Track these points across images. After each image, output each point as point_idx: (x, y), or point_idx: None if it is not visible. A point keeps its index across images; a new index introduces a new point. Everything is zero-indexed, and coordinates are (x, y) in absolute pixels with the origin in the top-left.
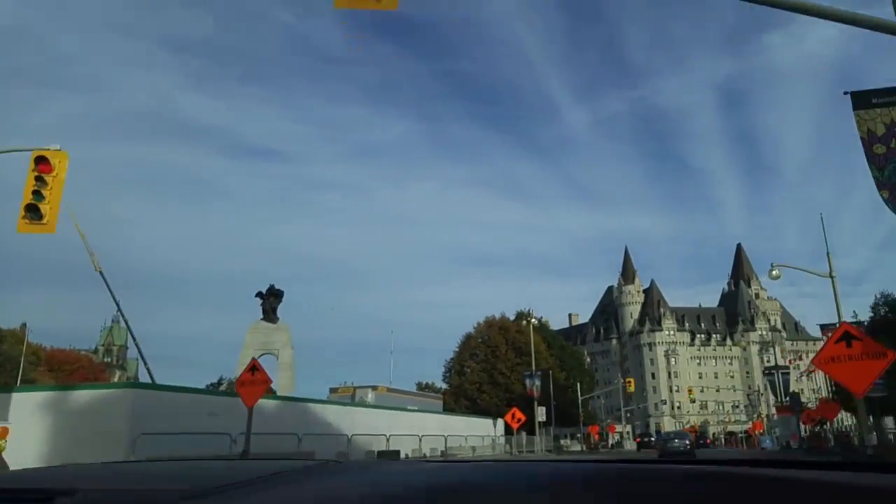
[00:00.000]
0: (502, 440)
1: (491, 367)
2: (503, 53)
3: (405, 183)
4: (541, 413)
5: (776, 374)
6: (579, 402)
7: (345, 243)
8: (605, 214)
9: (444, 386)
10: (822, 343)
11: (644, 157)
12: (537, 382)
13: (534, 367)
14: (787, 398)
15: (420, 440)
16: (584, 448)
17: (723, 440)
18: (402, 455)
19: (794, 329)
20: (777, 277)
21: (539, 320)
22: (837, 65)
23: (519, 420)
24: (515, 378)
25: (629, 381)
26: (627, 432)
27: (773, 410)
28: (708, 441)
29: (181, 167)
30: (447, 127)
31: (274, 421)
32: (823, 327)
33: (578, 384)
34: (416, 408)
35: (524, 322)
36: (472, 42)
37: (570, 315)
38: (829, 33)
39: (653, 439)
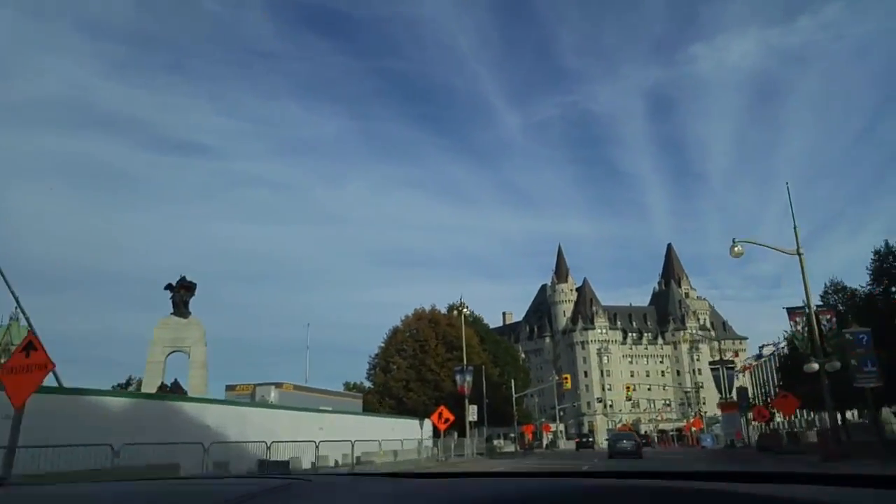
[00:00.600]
0: (430, 443)
1: (419, 364)
2: (438, 54)
3: (338, 181)
4: (472, 412)
5: (721, 370)
6: (513, 400)
7: (274, 241)
8: (538, 217)
9: (370, 385)
10: (748, 342)
11: (575, 161)
12: (469, 378)
13: (465, 362)
14: (731, 394)
15: (317, 446)
16: (518, 448)
17: (656, 438)
18: (308, 464)
19: (723, 328)
20: (740, 254)
21: (472, 314)
22: (756, 77)
23: (447, 420)
24: (446, 375)
25: (566, 378)
26: (561, 431)
27: (714, 408)
28: (649, 440)
29: (99, 159)
30: (382, 126)
31: (130, 425)
32: (790, 311)
33: (513, 381)
34: (329, 408)
35: (455, 312)
36: (407, 41)
37: (503, 314)
38: (748, 47)
39: (591, 440)
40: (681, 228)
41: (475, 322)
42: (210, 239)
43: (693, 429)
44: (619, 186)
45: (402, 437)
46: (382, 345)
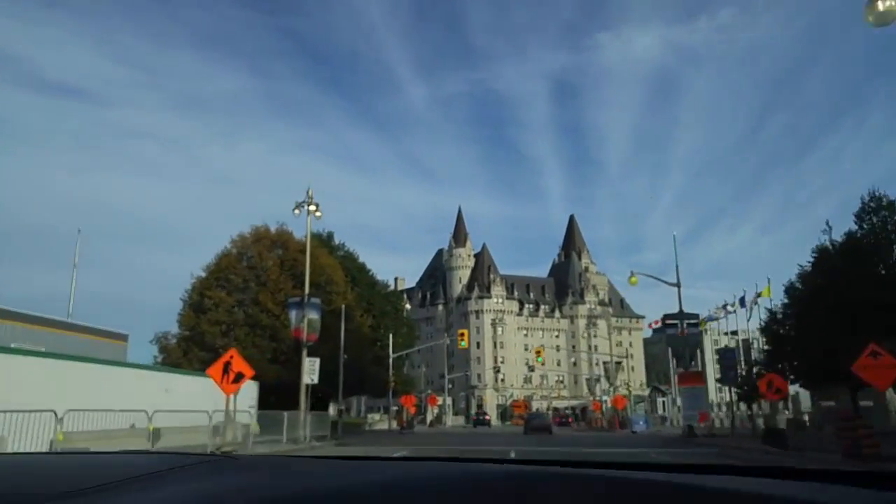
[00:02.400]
0: (249, 415)
1: (252, 302)
2: (347, 17)
3: (233, 140)
4: (311, 369)
5: (679, 326)
6: (390, 362)
7: (160, 199)
8: (440, 193)
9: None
10: (645, 321)
11: (479, 140)
12: (313, 318)
13: (306, 289)
14: (693, 363)
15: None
16: (396, 426)
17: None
18: None
19: (620, 306)
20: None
21: (344, 246)
22: (656, 72)
23: (238, 376)
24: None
25: (462, 335)
26: (449, 405)
27: (635, 386)
28: (570, 420)
29: None
30: (283, 86)
31: None
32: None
33: (391, 336)
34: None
35: (296, 211)
36: (315, 1)
37: (395, 279)
38: (650, 42)
39: (487, 417)
40: (577, 214)
41: (347, 258)
42: (85, 192)
43: (609, 406)
44: (521, 168)
45: (196, 408)
46: (203, 274)
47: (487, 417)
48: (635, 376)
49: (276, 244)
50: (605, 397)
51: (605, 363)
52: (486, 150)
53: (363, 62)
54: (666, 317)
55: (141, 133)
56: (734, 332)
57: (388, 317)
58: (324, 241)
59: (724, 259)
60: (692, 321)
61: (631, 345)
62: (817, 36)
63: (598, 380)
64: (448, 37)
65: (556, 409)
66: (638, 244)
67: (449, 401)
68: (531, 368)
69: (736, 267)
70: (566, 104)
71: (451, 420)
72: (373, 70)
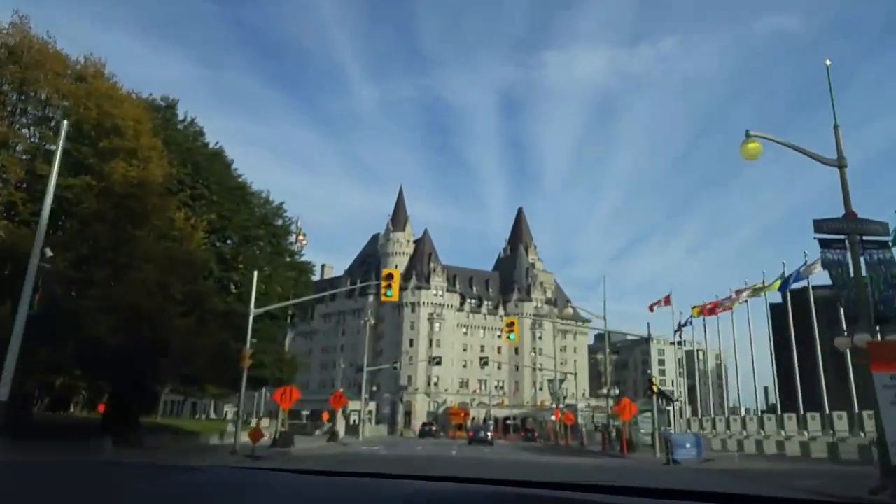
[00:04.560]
0: None
1: None
2: (297, 12)
3: None
4: None
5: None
6: (249, 320)
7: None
8: (384, 196)
9: None
10: (591, 324)
11: (425, 146)
12: None
13: None
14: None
15: None
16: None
17: (499, 429)
18: None
19: (566, 307)
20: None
21: (187, 117)
22: (599, 92)
23: None
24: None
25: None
26: (370, 412)
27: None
28: (536, 434)
29: None
30: (230, 77)
31: None
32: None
33: (255, 277)
34: None
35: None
36: None
37: (322, 266)
38: (596, 63)
39: (434, 427)
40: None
41: (192, 139)
42: None
43: (568, 422)
44: (464, 177)
45: None
46: None
47: (432, 428)
48: (578, 384)
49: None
50: (564, 408)
51: (556, 374)
52: (431, 156)
53: (312, 59)
54: None
55: None
56: (680, 343)
57: (259, 246)
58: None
59: (654, 277)
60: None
61: (575, 350)
62: (747, 70)
63: (541, 387)
64: (399, 41)
65: (496, 420)
66: (572, 258)
67: (371, 406)
68: (482, 365)
69: (664, 285)
70: (511, 117)
71: (369, 430)
72: (321, 68)
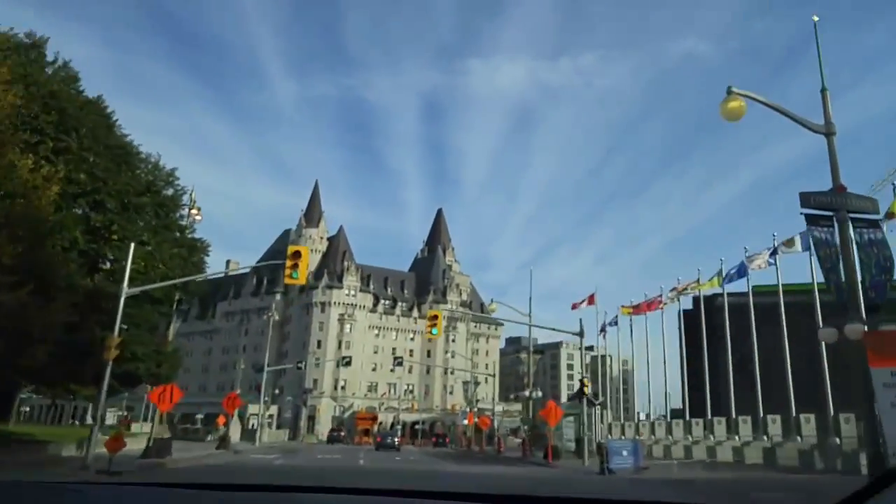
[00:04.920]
0: None
1: None
2: (217, 1)
3: None
4: None
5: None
6: (120, 305)
7: None
8: (297, 195)
9: None
10: (502, 329)
11: (344, 145)
12: None
13: None
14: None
15: None
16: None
17: (407, 434)
18: None
19: (480, 310)
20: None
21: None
22: (520, 102)
23: None
24: None
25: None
26: (270, 416)
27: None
28: (447, 440)
29: None
30: (138, 62)
31: None
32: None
33: (131, 249)
34: None
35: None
36: None
37: (227, 262)
38: (517, 74)
39: (342, 433)
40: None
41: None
42: None
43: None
44: (383, 179)
45: None
46: None
47: (340, 434)
48: (488, 388)
49: None
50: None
51: (472, 377)
52: (349, 156)
53: (231, 51)
54: None
55: None
56: (589, 348)
57: (142, 217)
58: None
59: (564, 284)
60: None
61: (487, 353)
62: (656, 91)
63: (451, 391)
64: (323, 39)
65: (404, 424)
66: (486, 263)
67: (273, 410)
68: (393, 367)
69: (571, 292)
70: (433, 121)
71: (269, 436)
72: (240, 61)
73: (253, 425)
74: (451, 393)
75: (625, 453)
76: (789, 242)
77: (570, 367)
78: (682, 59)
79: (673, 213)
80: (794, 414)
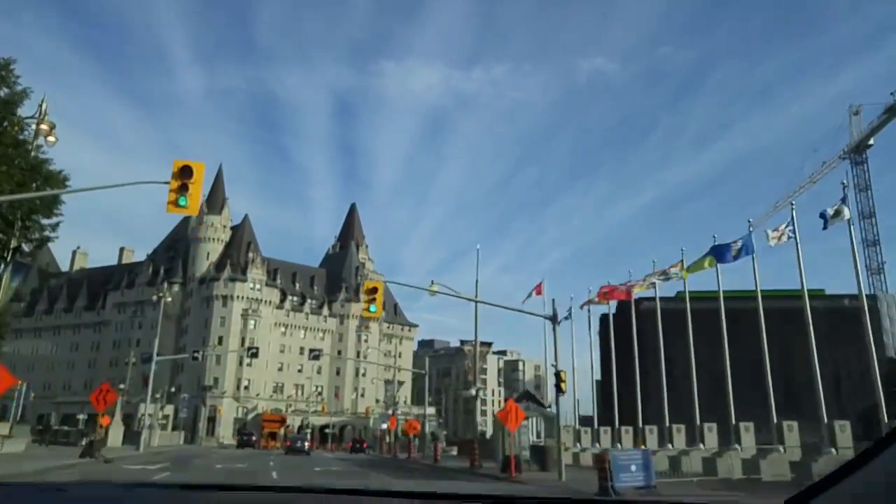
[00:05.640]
0: None
1: None
2: None
3: None
4: None
5: None
6: None
7: None
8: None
9: None
10: (416, 330)
11: (252, 139)
12: None
13: None
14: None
15: None
16: None
17: (316, 438)
18: None
19: (394, 311)
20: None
21: None
22: (432, 109)
23: None
24: None
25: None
26: (165, 417)
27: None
28: (365, 444)
29: None
30: (25, 35)
31: None
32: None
33: None
34: None
35: None
36: None
37: (121, 249)
38: (431, 80)
39: (253, 437)
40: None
41: None
42: None
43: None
44: (292, 176)
45: None
46: None
47: (250, 438)
48: (404, 391)
49: None
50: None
51: (386, 382)
52: (257, 150)
53: (134, 33)
54: None
55: None
56: (502, 352)
57: None
58: None
59: (469, 291)
60: None
61: (401, 355)
62: (565, 106)
63: (363, 394)
64: (233, 28)
65: (313, 428)
66: (396, 267)
67: (169, 410)
68: (301, 367)
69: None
70: (345, 121)
71: (160, 439)
72: (143, 43)
73: (142, 426)
74: (362, 395)
75: (633, 468)
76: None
77: (483, 370)
78: (590, 77)
79: (577, 226)
80: (699, 422)
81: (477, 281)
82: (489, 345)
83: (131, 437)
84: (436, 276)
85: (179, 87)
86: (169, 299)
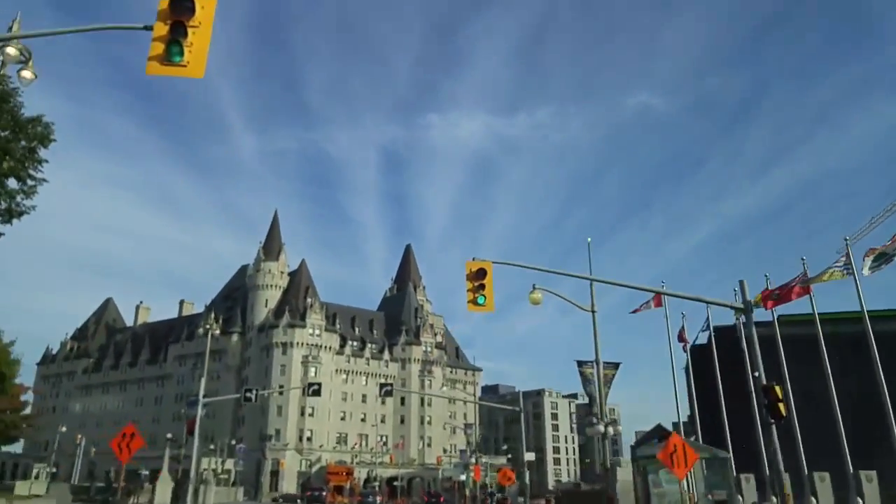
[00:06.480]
0: None
1: None
2: None
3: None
4: None
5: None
6: None
7: None
8: (257, 245)
9: None
10: (480, 374)
11: (306, 197)
12: None
13: None
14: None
15: None
16: None
17: (384, 492)
18: None
19: (455, 355)
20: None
21: None
22: (478, 156)
23: None
24: None
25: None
26: (227, 471)
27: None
28: (442, 499)
29: None
30: (100, 116)
31: None
32: (581, 363)
33: None
34: None
35: None
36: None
37: (181, 302)
38: (475, 127)
39: (323, 492)
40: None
41: None
42: None
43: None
44: (346, 231)
45: None
46: None
47: (320, 493)
48: (464, 440)
49: None
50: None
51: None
52: (312, 207)
53: (192, 105)
54: None
55: None
56: (573, 395)
57: None
58: None
59: (528, 337)
60: None
61: (465, 402)
62: (613, 144)
63: (429, 443)
64: (284, 94)
65: (381, 480)
66: (451, 315)
67: (230, 465)
68: (381, 399)
69: (539, 345)
70: (394, 174)
71: (216, 496)
72: (201, 114)
73: (205, 478)
74: (429, 445)
75: None
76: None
77: (554, 416)
78: (636, 113)
79: (636, 263)
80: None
81: (591, 269)
82: (616, 366)
83: (179, 494)
84: (492, 321)
85: (235, 152)
86: (217, 332)
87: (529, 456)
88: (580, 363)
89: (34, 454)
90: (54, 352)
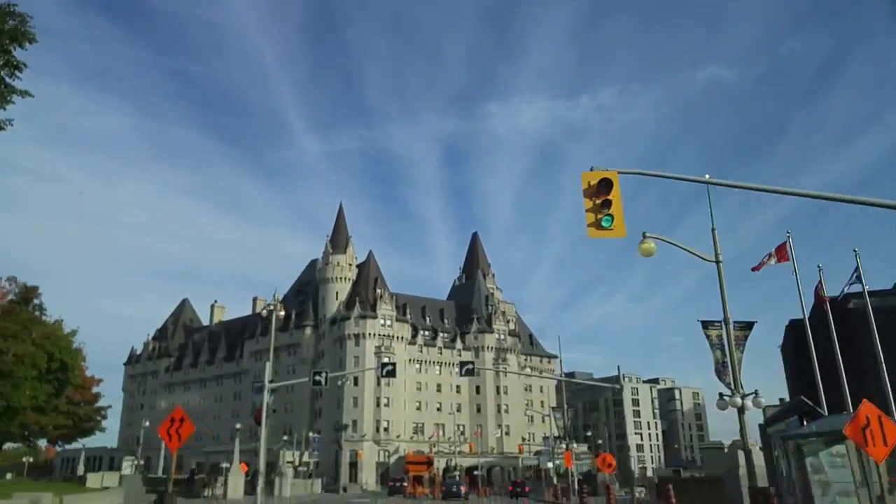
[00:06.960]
0: None
1: None
2: (240, 64)
3: (114, 180)
4: None
5: None
6: None
7: (29, 237)
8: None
9: None
10: (556, 362)
11: (370, 196)
12: None
13: None
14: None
15: None
16: None
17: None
18: None
19: (529, 342)
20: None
21: None
22: (540, 142)
23: None
24: None
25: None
26: (305, 464)
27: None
28: (527, 489)
29: None
30: (170, 128)
31: None
32: (706, 324)
33: None
34: None
35: None
36: (207, 44)
37: (254, 299)
38: (536, 114)
39: (404, 483)
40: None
41: None
42: None
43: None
44: (410, 227)
45: None
46: None
47: (400, 484)
48: (544, 428)
49: None
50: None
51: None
52: (376, 205)
53: (256, 111)
54: None
55: (9, 165)
56: (654, 380)
57: None
58: None
59: (599, 325)
60: None
61: (542, 389)
62: (681, 121)
63: (507, 431)
64: (343, 93)
65: (456, 469)
66: (519, 306)
67: (305, 457)
68: (462, 376)
69: (610, 333)
70: (455, 166)
71: (294, 488)
72: (265, 119)
73: (281, 472)
74: (507, 434)
75: None
76: None
77: (635, 402)
78: (705, 87)
79: (709, 247)
80: None
81: (713, 229)
82: (750, 325)
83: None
84: (562, 310)
85: (299, 154)
86: (282, 313)
87: (636, 439)
88: (705, 324)
89: (127, 449)
90: (138, 352)
